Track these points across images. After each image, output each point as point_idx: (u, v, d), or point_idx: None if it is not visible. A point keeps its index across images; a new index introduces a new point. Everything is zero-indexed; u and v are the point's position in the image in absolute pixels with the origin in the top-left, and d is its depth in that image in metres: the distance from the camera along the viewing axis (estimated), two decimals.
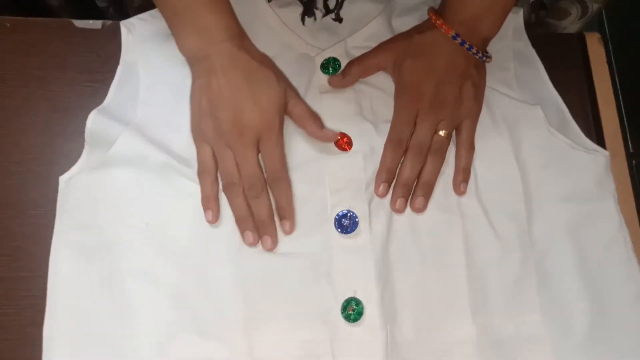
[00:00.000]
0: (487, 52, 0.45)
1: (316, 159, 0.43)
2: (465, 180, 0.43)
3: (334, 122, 0.44)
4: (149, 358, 0.37)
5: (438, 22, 0.43)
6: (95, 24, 0.47)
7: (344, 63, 0.46)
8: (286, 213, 0.40)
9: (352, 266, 0.40)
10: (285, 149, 0.43)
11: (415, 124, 0.43)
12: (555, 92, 0.47)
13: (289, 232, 0.40)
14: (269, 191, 0.41)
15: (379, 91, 0.46)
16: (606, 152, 0.45)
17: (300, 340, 0.38)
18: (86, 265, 0.39)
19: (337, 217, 0.41)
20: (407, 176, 0.42)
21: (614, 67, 0.58)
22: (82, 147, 0.42)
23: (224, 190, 0.41)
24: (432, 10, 0.45)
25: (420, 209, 0.41)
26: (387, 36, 0.48)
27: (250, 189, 0.40)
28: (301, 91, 0.45)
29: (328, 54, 0.47)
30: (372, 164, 0.43)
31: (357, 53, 0.47)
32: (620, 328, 0.40)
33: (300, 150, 0.43)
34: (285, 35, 0.47)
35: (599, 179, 0.44)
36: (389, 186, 0.42)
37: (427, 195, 0.42)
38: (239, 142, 0.40)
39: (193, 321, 0.38)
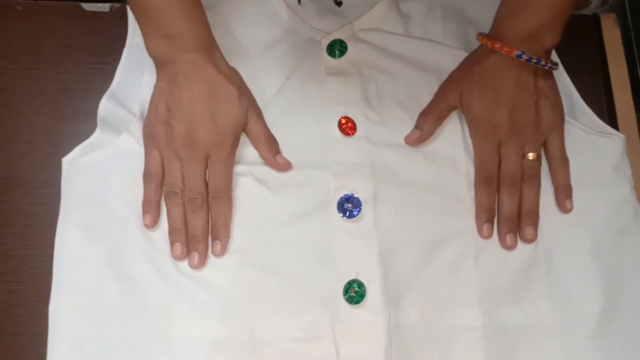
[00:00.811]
0: (551, 59, 0.43)
1: (320, 144, 0.43)
2: (569, 196, 0.41)
3: (338, 106, 0.44)
4: (150, 336, 0.37)
5: (496, 46, 0.41)
6: (104, 6, 0.48)
7: (350, 46, 0.46)
8: (220, 234, 0.39)
9: (355, 249, 0.40)
10: (289, 132, 0.42)
11: (499, 155, 0.42)
12: (565, 75, 0.45)
13: (218, 254, 0.39)
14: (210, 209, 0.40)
15: (385, 75, 0.45)
16: (622, 135, 0.44)
17: (301, 322, 0.38)
18: (91, 243, 0.39)
19: (340, 200, 0.41)
20: (509, 210, 0.41)
21: (636, 57, 0.56)
22: (90, 128, 0.43)
23: (165, 198, 0.40)
24: (483, 35, 0.43)
25: (532, 239, 0.40)
26: (395, 20, 0.47)
27: (189, 202, 0.39)
28: (305, 74, 0.45)
29: (334, 36, 0.46)
30: (377, 148, 0.42)
31: (364, 36, 0.46)
32: (633, 320, 0.39)
33: (303, 134, 0.43)
34: (291, 20, 0.47)
35: (616, 164, 0.43)
36: (492, 225, 0.41)
37: (535, 223, 0.41)
38: (188, 155, 0.39)
39: (194, 301, 0.38)
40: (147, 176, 0.41)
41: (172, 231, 0.40)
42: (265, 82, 0.44)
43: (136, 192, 0.41)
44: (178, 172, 0.40)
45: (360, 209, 0.40)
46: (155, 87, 0.41)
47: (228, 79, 0.41)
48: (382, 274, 0.39)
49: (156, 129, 0.40)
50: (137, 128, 0.42)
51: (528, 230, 0.40)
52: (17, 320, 0.40)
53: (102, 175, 0.41)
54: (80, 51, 0.47)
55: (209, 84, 0.40)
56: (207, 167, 0.40)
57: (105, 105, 0.43)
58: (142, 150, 0.42)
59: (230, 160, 0.41)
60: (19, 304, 0.40)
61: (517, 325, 0.39)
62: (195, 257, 0.39)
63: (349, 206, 0.40)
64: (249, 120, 0.41)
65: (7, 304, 0.40)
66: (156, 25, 0.40)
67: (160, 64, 0.41)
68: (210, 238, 0.40)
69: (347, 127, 0.43)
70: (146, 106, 0.43)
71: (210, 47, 0.41)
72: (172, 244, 0.39)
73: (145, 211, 0.40)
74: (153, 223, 0.40)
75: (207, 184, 0.40)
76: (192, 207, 0.40)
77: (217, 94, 0.40)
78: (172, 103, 0.40)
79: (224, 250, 0.39)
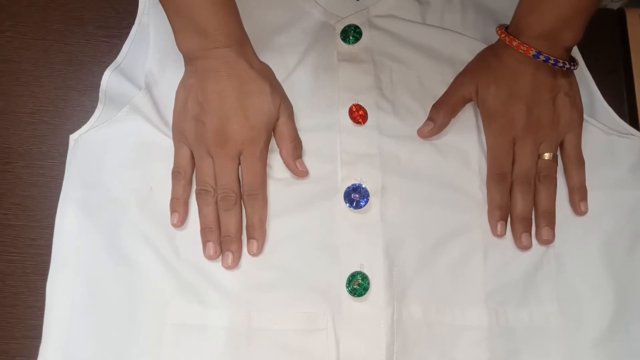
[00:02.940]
0: (572, 58, 0.41)
1: (329, 131, 0.42)
2: (584, 198, 0.40)
3: (350, 93, 0.42)
4: (145, 320, 0.37)
5: (514, 43, 0.40)
6: None
7: (365, 31, 0.44)
8: (256, 233, 0.38)
9: (360, 241, 0.39)
10: (297, 118, 0.41)
11: (514, 152, 0.40)
12: (587, 71, 0.44)
13: (255, 253, 0.38)
14: (243, 207, 0.39)
15: (399, 64, 0.44)
16: None
17: (301, 313, 0.37)
18: (90, 224, 0.39)
19: (347, 190, 0.40)
20: (523, 209, 0.40)
21: None
22: (95, 102, 0.42)
23: (197, 196, 0.39)
24: (502, 29, 0.41)
25: (550, 240, 0.39)
26: (412, 7, 0.46)
27: (222, 200, 0.38)
28: (317, 59, 0.44)
29: (349, 21, 0.45)
30: (388, 139, 0.41)
31: (380, 22, 0.45)
32: None
33: (313, 120, 0.42)
34: (304, 2, 0.45)
35: (634, 165, 0.42)
36: (506, 223, 0.40)
37: (552, 224, 0.40)
38: (220, 152, 0.38)
39: (191, 288, 0.38)
40: (175, 174, 0.40)
41: (204, 230, 0.39)
42: (275, 65, 0.43)
43: (136, 173, 0.40)
44: (210, 169, 0.39)
45: (367, 200, 0.39)
46: (184, 83, 0.40)
47: (260, 74, 0.39)
48: (387, 268, 0.38)
49: (186, 125, 0.39)
50: (142, 101, 0.41)
51: (545, 232, 0.39)
52: (14, 291, 0.40)
53: (101, 154, 0.40)
54: (88, 24, 0.46)
55: (240, 79, 0.39)
56: (239, 164, 0.39)
57: (109, 78, 0.43)
58: (146, 127, 0.41)
59: (264, 156, 0.40)
60: (17, 275, 0.40)
61: (522, 327, 0.38)
62: (229, 257, 0.38)
63: (356, 196, 0.39)
64: (279, 117, 0.40)
65: (4, 274, 0.40)
66: (187, 20, 0.38)
67: (190, 59, 0.40)
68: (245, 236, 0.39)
69: (358, 115, 0.42)
70: (151, 78, 0.42)
71: (242, 43, 0.40)
72: (204, 243, 0.38)
73: (173, 210, 0.39)
74: (181, 222, 0.39)
75: (239, 182, 0.39)
76: (225, 205, 0.38)
77: (249, 89, 0.39)
78: (203, 99, 0.39)
79: (260, 249, 0.38)
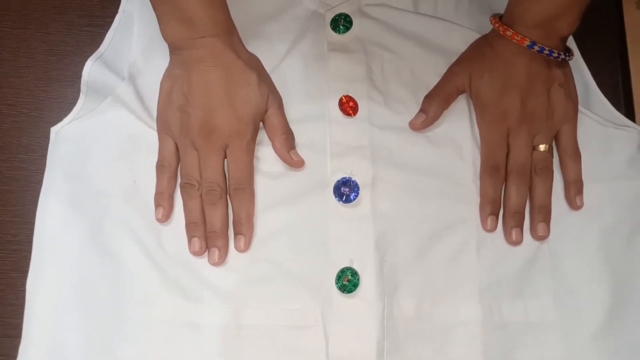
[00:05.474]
0: (568, 48, 0.40)
1: (318, 123, 0.41)
2: (580, 192, 0.39)
3: (340, 84, 0.41)
4: (132, 317, 0.36)
5: (508, 33, 0.39)
6: None
7: (355, 20, 0.43)
8: (243, 228, 0.37)
9: (350, 235, 0.38)
10: (286, 109, 0.40)
11: (508, 144, 0.40)
12: (582, 60, 0.43)
13: (242, 250, 0.37)
14: (230, 202, 0.38)
15: (391, 54, 0.43)
16: (639, 128, 0.42)
17: (290, 309, 0.37)
18: (73, 218, 0.38)
19: (336, 183, 0.39)
20: (516, 203, 0.39)
21: None
22: (77, 93, 0.41)
23: (181, 189, 0.38)
24: (496, 18, 0.40)
25: (545, 237, 0.38)
26: None
27: (207, 194, 0.37)
28: (306, 49, 0.43)
29: (339, 10, 0.44)
30: (379, 130, 0.41)
31: (371, 11, 0.44)
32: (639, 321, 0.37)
33: (301, 112, 0.41)
34: None
35: (631, 157, 0.41)
36: (497, 218, 0.39)
37: (547, 219, 0.39)
38: (205, 145, 0.37)
39: (178, 284, 0.37)
40: (160, 167, 0.39)
41: (189, 225, 0.38)
42: (264, 55, 0.41)
43: (120, 166, 0.39)
44: (195, 162, 0.38)
45: (357, 194, 0.38)
46: (169, 73, 0.39)
47: (247, 64, 0.39)
48: (378, 263, 0.37)
49: (171, 116, 0.38)
50: (126, 92, 0.40)
51: (540, 227, 0.39)
52: None
53: (84, 147, 0.39)
54: (70, 12, 0.45)
55: (227, 70, 0.38)
56: (225, 157, 0.38)
57: (91, 68, 0.41)
58: (130, 118, 0.40)
59: (251, 149, 0.39)
60: None
61: (517, 321, 0.37)
62: (216, 253, 0.37)
63: (346, 190, 0.39)
64: (268, 108, 0.39)
65: None
66: (174, 8, 0.37)
67: (175, 49, 0.39)
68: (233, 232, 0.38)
69: (348, 106, 0.41)
70: (135, 69, 0.41)
71: (229, 32, 0.39)
72: (189, 239, 0.37)
73: (157, 204, 0.38)
74: (166, 217, 0.38)
75: (225, 175, 0.38)
76: (210, 199, 0.37)
77: (236, 80, 0.38)
78: (188, 90, 0.38)
79: (248, 245, 0.37)
